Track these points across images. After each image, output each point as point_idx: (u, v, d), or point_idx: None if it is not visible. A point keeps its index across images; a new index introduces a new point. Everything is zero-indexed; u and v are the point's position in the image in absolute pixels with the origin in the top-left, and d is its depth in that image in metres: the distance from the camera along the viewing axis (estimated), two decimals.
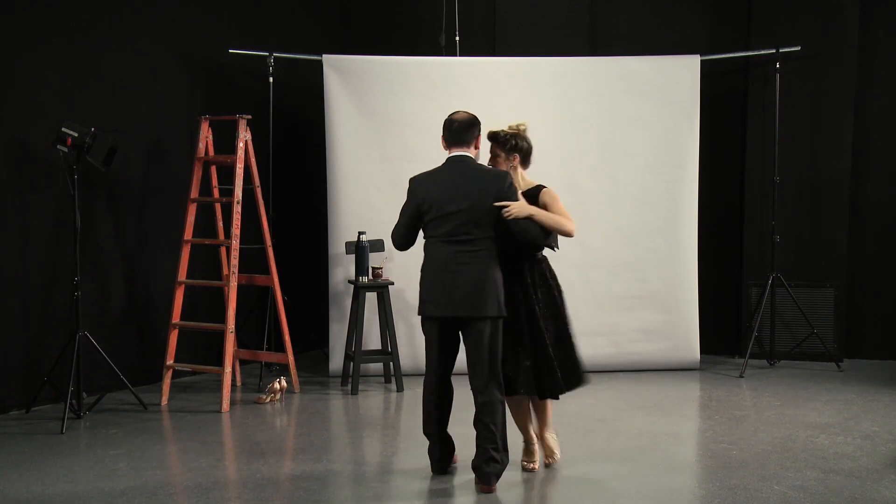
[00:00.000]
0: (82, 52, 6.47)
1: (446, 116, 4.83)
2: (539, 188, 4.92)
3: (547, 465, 5.03)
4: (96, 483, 4.70)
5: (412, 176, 4.79)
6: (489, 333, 4.59)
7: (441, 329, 4.69)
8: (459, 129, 4.74)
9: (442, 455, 4.86)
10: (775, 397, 6.61)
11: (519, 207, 4.59)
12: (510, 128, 4.97)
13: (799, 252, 7.88)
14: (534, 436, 5.06)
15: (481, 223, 4.60)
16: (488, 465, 4.59)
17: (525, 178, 4.97)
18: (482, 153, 4.90)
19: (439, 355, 4.73)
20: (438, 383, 4.77)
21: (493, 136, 4.94)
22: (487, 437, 4.61)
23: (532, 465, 4.99)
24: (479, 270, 4.58)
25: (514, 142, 4.92)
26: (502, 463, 4.66)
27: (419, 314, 4.78)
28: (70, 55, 6.40)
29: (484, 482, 4.60)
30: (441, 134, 4.80)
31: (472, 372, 4.66)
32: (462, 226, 4.60)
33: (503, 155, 4.92)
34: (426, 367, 4.81)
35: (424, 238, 4.76)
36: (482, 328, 4.58)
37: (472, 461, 4.67)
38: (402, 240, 4.82)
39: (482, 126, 4.85)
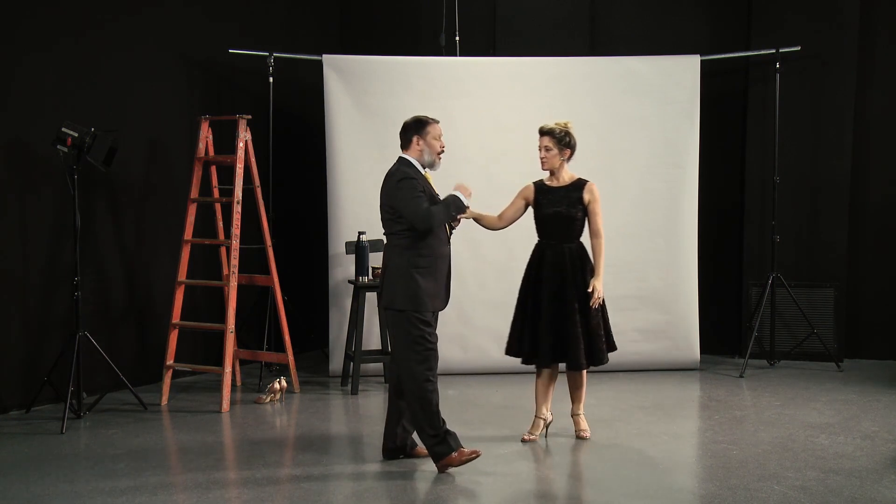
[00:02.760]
0: (82, 52, 6.47)
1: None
2: (582, 182, 5.40)
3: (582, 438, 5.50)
4: (96, 483, 4.70)
5: None
6: (392, 324, 4.97)
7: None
8: (400, 131, 5.12)
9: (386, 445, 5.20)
10: (775, 397, 6.61)
11: (599, 294, 5.35)
12: (557, 124, 5.37)
13: (799, 252, 7.88)
14: (544, 410, 5.51)
15: (386, 221, 5.01)
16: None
17: (568, 171, 5.46)
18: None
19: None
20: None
21: (548, 132, 5.36)
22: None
23: (533, 437, 5.47)
24: (387, 264, 5.04)
25: (567, 139, 5.36)
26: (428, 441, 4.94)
27: None
28: (70, 55, 6.40)
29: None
30: None
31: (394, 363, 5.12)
32: (383, 223, 5.06)
33: (556, 149, 5.35)
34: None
35: None
36: (388, 317, 5.00)
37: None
38: None
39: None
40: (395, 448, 5.16)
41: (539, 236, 5.51)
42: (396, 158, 5.08)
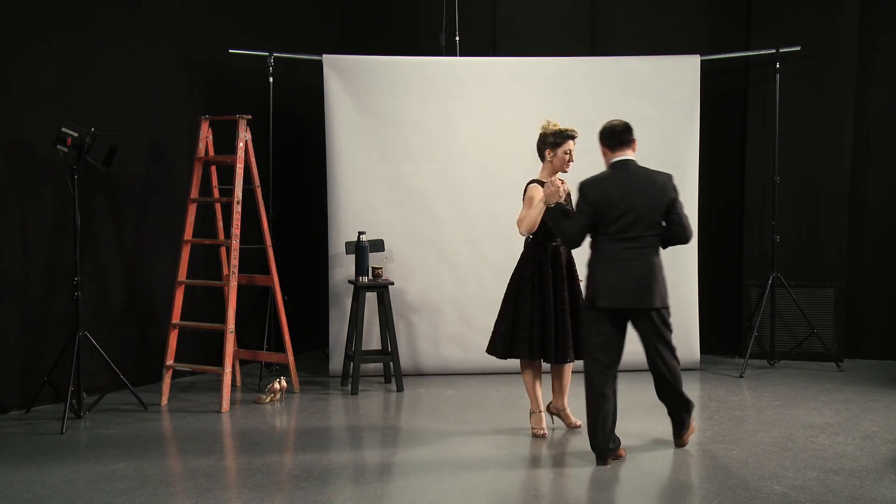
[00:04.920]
0: (82, 52, 6.47)
1: (604, 126, 5.21)
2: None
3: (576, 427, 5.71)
4: (96, 483, 4.70)
5: (583, 181, 5.07)
6: (661, 320, 5.03)
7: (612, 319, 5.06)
8: (624, 131, 5.13)
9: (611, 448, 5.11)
10: (775, 397, 6.61)
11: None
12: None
13: (799, 252, 7.88)
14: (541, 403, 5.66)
15: (651, 223, 4.99)
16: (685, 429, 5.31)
17: None
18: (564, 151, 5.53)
19: (611, 346, 5.05)
20: (611, 377, 5.09)
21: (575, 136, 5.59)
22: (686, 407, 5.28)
23: (543, 431, 5.58)
24: (645, 265, 4.95)
25: None
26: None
27: (592, 307, 5.06)
28: (70, 55, 6.40)
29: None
30: (603, 141, 5.19)
31: (662, 357, 5.11)
32: (632, 224, 4.95)
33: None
34: (589, 355, 5.10)
35: (594, 236, 5.08)
36: (654, 315, 5.01)
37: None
38: (580, 238, 5.11)
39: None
40: (609, 450, 5.07)
41: (543, 238, 5.50)
42: (628, 160, 5.11)
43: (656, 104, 7.45)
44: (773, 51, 7.56)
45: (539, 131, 5.58)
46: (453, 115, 7.42)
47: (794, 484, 4.64)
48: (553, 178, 5.35)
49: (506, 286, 5.64)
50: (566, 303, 5.47)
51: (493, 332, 5.63)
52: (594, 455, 5.02)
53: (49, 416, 5.99)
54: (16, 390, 6.11)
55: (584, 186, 5.04)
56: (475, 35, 8.21)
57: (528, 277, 5.50)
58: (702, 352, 7.61)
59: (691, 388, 6.96)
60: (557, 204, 5.22)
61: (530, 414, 5.65)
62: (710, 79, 7.66)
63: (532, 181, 5.54)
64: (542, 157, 5.57)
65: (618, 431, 5.70)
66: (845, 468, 4.90)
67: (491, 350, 5.63)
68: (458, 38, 8.02)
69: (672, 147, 7.47)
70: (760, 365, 7.65)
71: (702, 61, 7.51)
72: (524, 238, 5.58)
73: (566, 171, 5.55)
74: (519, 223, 5.43)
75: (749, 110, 8.02)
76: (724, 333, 8.12)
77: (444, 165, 7.42)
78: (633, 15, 8.27)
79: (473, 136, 7.40)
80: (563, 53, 7.69)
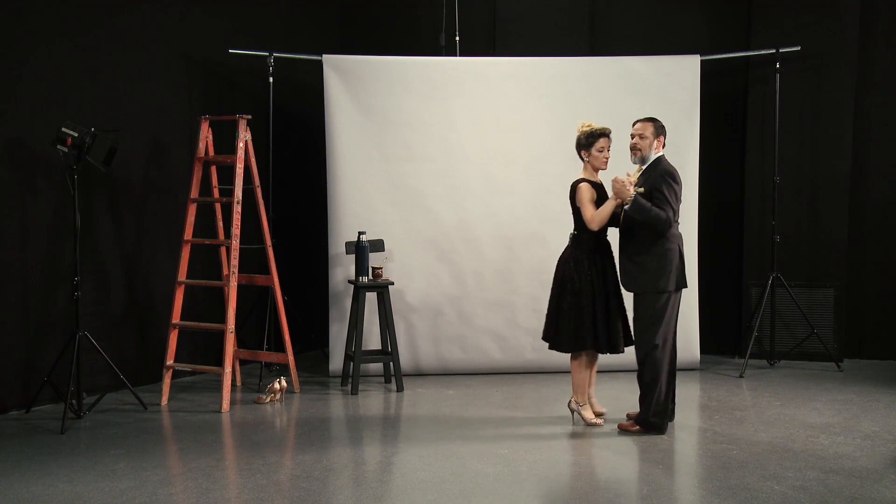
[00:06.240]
0: (82, 52, 6.48)
1: (659, 120, 5.77)
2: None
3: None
4: (96, 483, 4.70)
5: (671, 169, 5.55)
6: None
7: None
8: None
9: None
10: (775, 397, 6.61)
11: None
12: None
13: (799, 252, 7.88)
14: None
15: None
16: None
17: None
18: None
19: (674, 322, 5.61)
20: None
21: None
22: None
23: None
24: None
25: None
26: None
27: (671, 289, 5.51)
28: (70, 55, 6.40)
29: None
30: (658, 134, 5.70)
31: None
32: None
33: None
34: (667, 336, 5.54)
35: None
36: None
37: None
38: (672, 223, 5.52)
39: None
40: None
41: (593, 234, 5.65)
42: (661, 158, 5.61)
43: (656, 104, 7.44)
44: (773, 51, 7.57)
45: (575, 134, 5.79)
46: (453, 115, 7.42)
47: (794, 484, 4.64)
48: (616, 176, 5.53)
49: (552, 281, 5.76)
50: (618, 293, 5.71)
51: (553, 330, 5.71)
52: (662, 428, 5.60)
53: (49, 416, 5.99)
54: (16, 390, 6.11)
55: (675, 176, 5.50)
56: (475, 35, 8.22)
57: (587, 272, 5.60)
58: (702, 352, 7.62)
59: (691, 388, 6.98)
60: (637, 196, 5.42)
61: (580, 406, 5.79)
62: (710, 79, 7.66)
63: (579, 181, 5.67)
64: (582, 159, 5.76)
65: (615, 430, 5.74)
66: (845, 468, 4.90)
67: (554, 346, 5.74)
68: (458, 38, 8.02)
69: (672, 147, 7.41)
70: (760, 365, 7.65)
71: (702, 61, 7.51)
72: (570, 233, 5.72)
73: (605, 168, 5.71)
74: (590, 222, 5.57)
75: (749, 110, 8.02)
76: (724, 333, 8.13)
77: (444, 165, 7.42)
78: (633, 15, 8.27)
79: (473, 136, 7.40)
80: (563, 53, 7.69)
